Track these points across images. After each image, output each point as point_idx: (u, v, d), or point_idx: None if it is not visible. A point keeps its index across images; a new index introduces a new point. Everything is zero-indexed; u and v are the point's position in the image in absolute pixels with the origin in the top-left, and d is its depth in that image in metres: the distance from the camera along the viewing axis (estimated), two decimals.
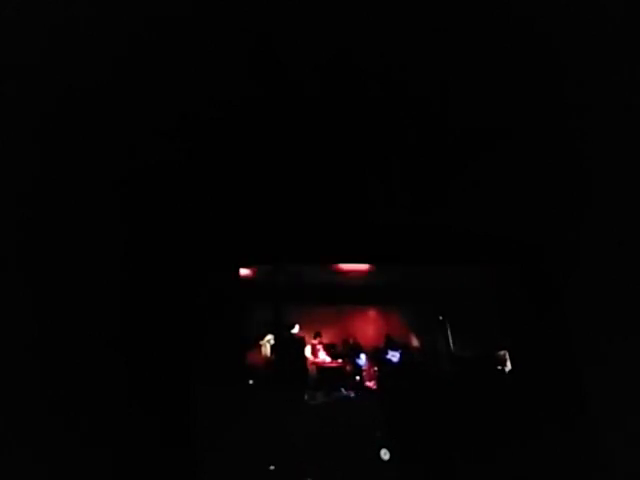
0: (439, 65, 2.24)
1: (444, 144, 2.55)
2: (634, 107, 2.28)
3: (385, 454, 3.11)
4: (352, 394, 3.84)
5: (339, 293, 4.18)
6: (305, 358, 4.05)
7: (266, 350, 3.88)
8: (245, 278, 3.55)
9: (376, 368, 4.03)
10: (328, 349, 4.21)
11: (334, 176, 2.55)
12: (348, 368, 3.96)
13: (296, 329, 4.10)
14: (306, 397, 3.48)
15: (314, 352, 4.17)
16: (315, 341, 4.17)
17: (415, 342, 4.19)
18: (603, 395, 2.52)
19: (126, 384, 2.27)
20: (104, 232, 2.36)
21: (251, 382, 3.22)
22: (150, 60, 2.09)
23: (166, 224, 2.47)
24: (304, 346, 4.06)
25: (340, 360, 4.16)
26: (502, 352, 3.59)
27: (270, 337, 3.89)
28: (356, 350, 4.22)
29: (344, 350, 4.23)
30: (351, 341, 4.31)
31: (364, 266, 3.91)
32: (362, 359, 4.07)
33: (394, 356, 3.99)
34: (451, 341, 4.03)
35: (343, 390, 3.84)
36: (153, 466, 2.21)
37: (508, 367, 3.40)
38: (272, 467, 2.78)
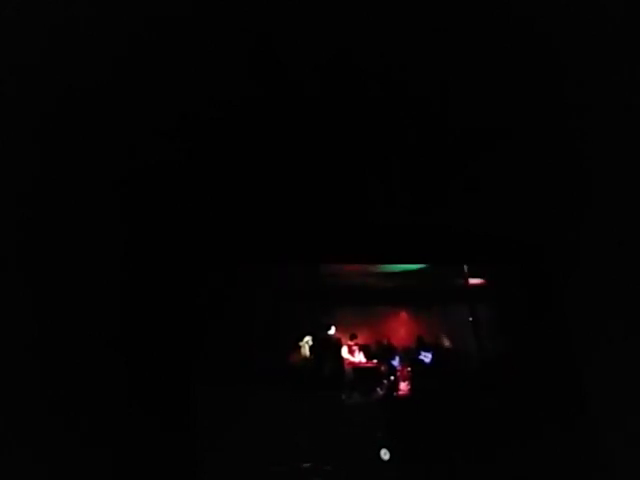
0: (439, 65, 2.22)
1: (444, 144, 2.53)
2: (634, 107, 2.26)
3: (385, 454, 3.11)
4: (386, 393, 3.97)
5: (372, 295, 4.27)
6: (342, 358, 4.18)
7: (305, 351, 3.89)
8: (281, 279, 3.64)
9: (409, 368, 3.97)
10: (364, 350, 4.31)
11: (334, 176, 2.55)
12: (383, 368, 3.97)
13: (332, 330, 4.23)
14: (343, 397, 3.58)
15: (351, 352, 4.29)
16: (351, 342, 4.28)
17: (447, 343, 4.26)
18: (603, 395, 2.47)
19: (127, 384, 2.25)
20: (104, 232, 2.34)
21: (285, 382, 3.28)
22: (150, 60, 2.02)
23: (168, 224, 2.46)
24: (341, 347, 4.18)
25: (375, 361, 4.28)
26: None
27: (308, 338, 3.82)
28: (390, 351, 4.31)
29: (378, 351, 4.34)
30: (385, 342, 4.40)
31: (395, 267, 4.00)
32: (396, 360, 4.16)
33: (426, 357, 3.90)
34: (479, 341, 4.07)
35: (379, 390, 3.81)
36: (154, 467, 2.21)
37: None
38: (272, 467, 2.77)
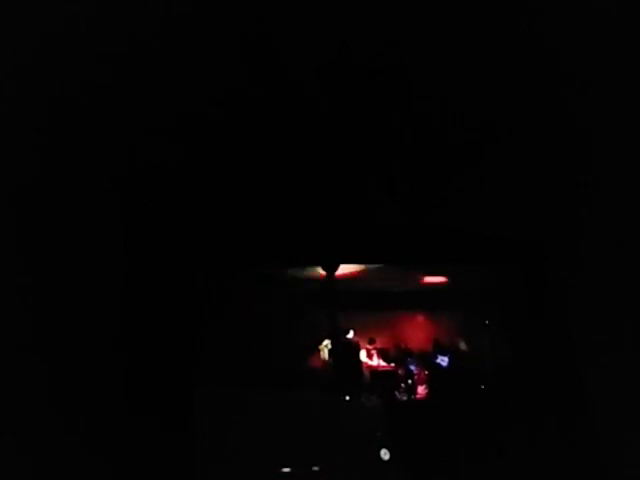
0: (440, 65, 2.20)
1: (444, 144, 2.51)
2: (636, 106, 2.25)
3: (385, 454, 3.09)
4: (405, 397, 3.77)
5: (388, 299, 4.29)
6: (361, 362, 4.00)
7: (324, 354, 3.83)
8: (300, 284, 3.65)
9: (427, 372, 3.93)
10: (382, 354, 4.12)
11: (334, 176, 2.53)
12: (400, 372, 3.96)
13: (351, 334, 4.28)
14: (362, 399, 3.47)
15: (369, 356, 4.09)
16: (370, 346, 4.07)
17: (463, 346, 4.29)
18: (605, 395, 2.25)
19: (128, 385, 2.24)
20: (104, 233, 2.31)
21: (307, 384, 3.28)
22: (150, 60, 1.88)
23: (174, 224, 2.43)
24: (359, 350, 4.04)
25: (393, 364, 4.05)
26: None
27: (327, 342, 3.80)
28: (407, 355, 4.06)
29: (396, 355, 4.12)
30: (402, 346, 4.38)
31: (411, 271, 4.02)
32: (413, 363, 3.97)
33: (443, 360, 3.91)
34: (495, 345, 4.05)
35: (397, 393, 3.78)
36: (153, 468, 2.18)
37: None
38: (271, 468, 2.75)
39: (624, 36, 1.96)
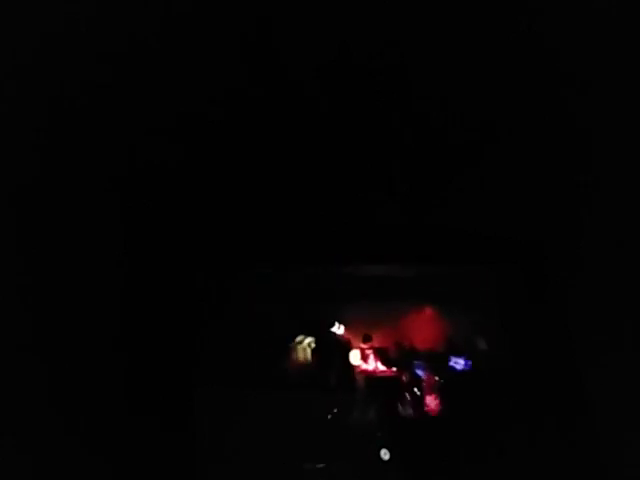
0: (440, 65, 2.22)
1: (444, 144, 2.52)
2: (636, 106, 2.25)
3: (385, 454, 3.09)
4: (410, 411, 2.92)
5: (388, 287, 3.26)
6: (349, 364, 3.17)
7: (306, 354, 3.11)
8: (299, 284, 2.96)
9: (437, 378, 3.11)
10: (380, 355, 3.30)
11: (334, 176, 2.53)
12: (404, 378, 3.17)
13: (340, 329, 3.24)
14: (355, 414, 2.69)
15: (364, 358, 3.28)
16: (365, 345, 3.29)
17: (482, 346, 3.21)
18: (605, 395, 2.23)
19: (127, 386, 2.24)
20: (104, 233, 2.31)
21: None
22: (149, 60, 1.88)
23: (169, 224, 2.44)
24: (349, 349, 3.22)
25: (394, 368, 3.23)
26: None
27: (311, 339, 3.12)
28: (412, 356, 3.26)
29: (398, 356, 3.29)
30: (406, 345, 3.35)
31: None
32: (421, 367, 3.18)
33: (458, 363, 3.17)
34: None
35: (400, 406, 2.96)
36: (153, 468, 2.18)
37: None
38: (271, 468, 2.75)
39: (624, 36, 1.95)
